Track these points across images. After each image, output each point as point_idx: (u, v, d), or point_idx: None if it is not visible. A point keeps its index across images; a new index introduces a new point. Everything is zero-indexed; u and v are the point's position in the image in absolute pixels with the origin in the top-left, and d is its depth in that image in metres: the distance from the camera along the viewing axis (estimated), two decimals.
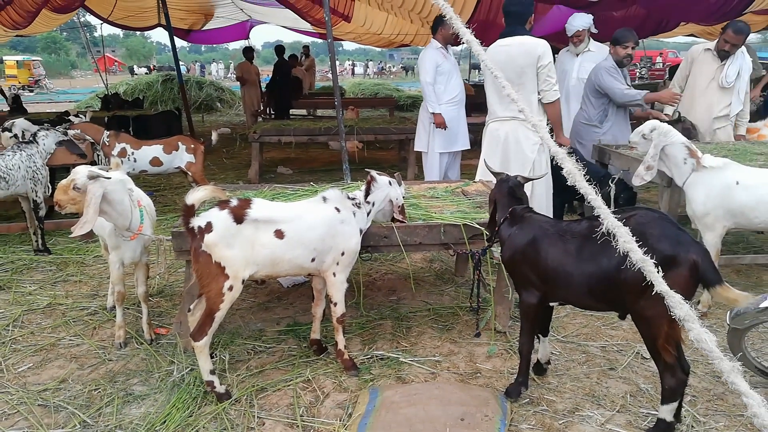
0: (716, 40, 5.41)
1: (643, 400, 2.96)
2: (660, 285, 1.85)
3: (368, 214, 3.26)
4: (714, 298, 2.30)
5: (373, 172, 3.32)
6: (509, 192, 2.99)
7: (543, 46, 4.39)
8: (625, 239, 1.96)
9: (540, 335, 3.09)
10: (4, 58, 33.23)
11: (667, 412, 2.53)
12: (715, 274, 2.34)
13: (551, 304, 2.92)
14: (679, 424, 2.67)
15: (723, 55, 5.26)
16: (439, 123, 5.72)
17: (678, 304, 1.80)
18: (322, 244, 3.01)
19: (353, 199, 3.18)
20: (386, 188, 3.30)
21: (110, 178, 3.09)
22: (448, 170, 6.03)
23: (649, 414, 2.82)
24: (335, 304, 3.17)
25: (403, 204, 3.37)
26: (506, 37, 4.53)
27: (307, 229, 2.96)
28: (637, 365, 3.29)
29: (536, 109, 4.52)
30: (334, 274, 3.10)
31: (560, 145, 3.72)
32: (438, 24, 5.75)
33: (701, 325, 1.80)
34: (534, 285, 2.77)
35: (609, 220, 2.01)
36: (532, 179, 3.35)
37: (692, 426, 2.74)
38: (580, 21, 6.09)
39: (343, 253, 3.08)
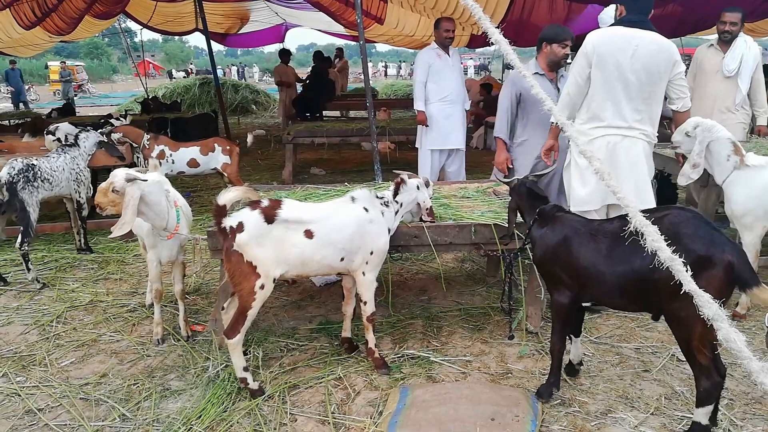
0: (717, 34, 5.33)
1: (678, 402, 2.90)
2: (688, 284, 1.81)
3: (396, 214, 3.27)
4: (751, 300, 2.24)
5: (404, 174, 3.33)
6: (528, 194, 2.98)
7: (676, 50, 3.56)
8: (653, 237, 1.94)
9: (572, 336, 3.06)
10: (49, 63, 34.19)
11: (702, 415, 2.47)
12: (752, 275, 2.28)
13: (584, 304, 2.89)
14: (715, 427, 2.61)
15: (727, 38, 5.13)
16: (420, 120, 5.88)
17: (706, 303, 1.77)
18: (351, 244, 3.03)
19: (381, 198, 3.20)
20: (414, 191, 3.32)
21: (147, 180, 3.17)
22: (447, 168, 6.04)
23: (684, 417, 2.76)
24: (365, 303, 3.18)
25: (431, 206, 3.39)
26: (633, 28, 3.47)
27: (335, 229, 2.99)
28: (672, 368, 3.23)
29: (657, 119, 3.66)
30: (363, 274, 3.12)
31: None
32: (435, 27, 5.87)
33: (730, 324, 1.76)
34: (566, 284, 2.74)
35: (637, 218, 1.98)
36: (543, 173, 3.33)
37: (729, 430, 2.68)
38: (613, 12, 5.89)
39: (372, 253, 3.10)
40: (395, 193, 3.27)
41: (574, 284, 2.71)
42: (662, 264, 2.28)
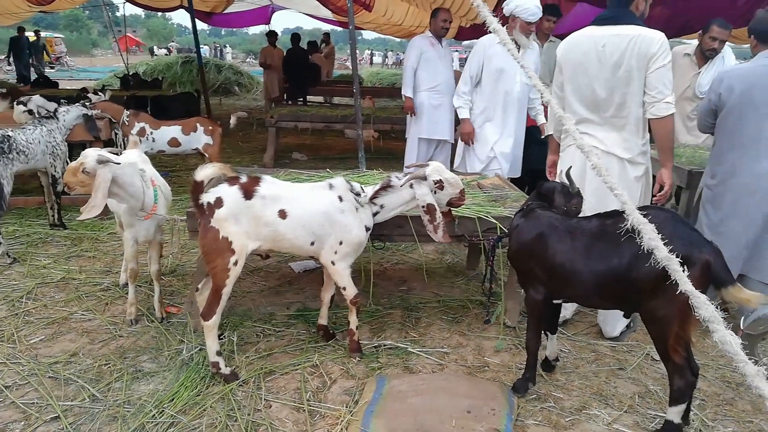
0: (697, 43, 5.05)
1: (651, 401, 2.93)
2: (685, 285, 1.83)
3: (376, 215, 3.13)
4: (726, 298, 2.27)
5: (393, 177, 3.13)
6: (536, 193, 2.96)
7: (659, 41, 3.08)
8: (650, 236, 1.95)
9: (548, 332, 3.08)
10: (26, 34, 33.32)
11: (675, 414, 2.50)
12: (728, 274, 2.31)
13: (556, 301, 2.90)
14: (687, 427, 2.64)
15: (711, 55, 4.92)
16: (408, 107, 5.85)
17: (703, 305, 1.78)
18: (321, 229, 3.00)
19: (357, 195, 3.08)
20: (406, 192, 3.07)
21: (119, 163, 3.09)
22: (434, 160, 6.02)
23: (657, 416, 2.80)
24: (344, 289, 3.16)
25: (431, 205, 3.03)
26: (605, 25, 3.19)
27: (308, 211, 2.96)
28: (647, 366, 3.27)
29: (641, 127, 3.28)
30: (333, 263, 3.08)
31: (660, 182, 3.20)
32: (433, 15, 5.85)
33: (726, 326, 1.77)
34: (540, 281, 2.75)
35: (634, 216, 1.98)
36: (571, 184, 2.90)
37: (700, 430, 2.72)
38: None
39: (341, 243, 3.04)
40: (375, 195, 3.10)
41: (549, 281, 2.72)
42: (643, 263, 2.31)
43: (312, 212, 2.98)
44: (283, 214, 2.92)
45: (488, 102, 4.91)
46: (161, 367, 3.08)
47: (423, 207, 3.04)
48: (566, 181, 2.89)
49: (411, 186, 3.06)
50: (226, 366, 2.98)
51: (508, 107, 4.90)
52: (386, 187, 3.09)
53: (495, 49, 4.78)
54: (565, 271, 2.62)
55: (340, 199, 3.04)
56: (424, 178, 3.04)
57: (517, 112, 4.92)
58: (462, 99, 4.94)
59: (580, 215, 2.83)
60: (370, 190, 3.13)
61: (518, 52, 4.52)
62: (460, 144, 5.17)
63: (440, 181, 3.04)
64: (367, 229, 3.11)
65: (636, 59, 3.10)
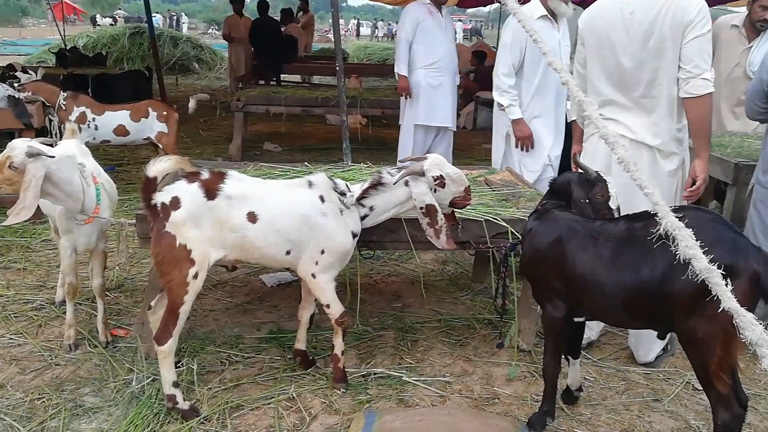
0: (747, 13, 5.04)
1: None
2: (728, 301, 1.83)
3: (365, 218, 3.13)
4: None
5: (385, 173, 3.10)
6: (549, 191, 2.98)
7: (696, 5, 3.07)
8: (687, 243, 1.95)
9: (570, 357, 3.09)
10: None
11: None
12: None
13: (578, 319, 2.92)
14: None
15: (763, 26, 4.92)
16: (402, 88, 5.84)
17: (749, 325, 1.78)
18: (298, 235, 2.99)
19: (342, 194, 3.08)
20: (401, 190, 3.07)
21: (54, 156, 3.08)
22: (432, 150, 6.05)
23: None
24: (328, 306, 3.16)
25: (431, 205, 3.02)
26: None
27: (282, 214, 2.96)
28: (687, 397, 3.30)
29: (675, 109, 3.28)
30: (313, 276, 3.08)
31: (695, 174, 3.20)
32: None
33: None
34: (558, 295, 2.76)
35: (669, 219, 1.99)
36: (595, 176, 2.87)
37: None
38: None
39: (322, 252, 3.05)
40: (363, 195, 3.09)
41: (569, 295, 2.73)
42: (680, 274, 2.33)
43: (288, 215, 2.98)
44: (252, 218, 2.92)
45: (535, 94, 4.71)
46: (106, 402, 3.07)
47: (421, 209, 3.03)
48: (580, 170, 2.91)
49: (406, 184, 3.05)
50: (184, 400, 2.97)
51: (561, 99, 4.78)
52: (376, 185, 3.08)
53: (537, 24, 4.37)
54: (587, 283, 2.63)
55: (322, 199, 3.04)
56: (422, 174, 3.03)
57: (563, 104, 4.82)
58: (509, 96, 4.63)
59: (611, 204, 2.82)
60: (357, 189, 3.12)
61: (555, 22, 4.54)
62: (498, 144, 4.98)
63: (441, 177, 3.03)
64: (354, 235, 3.11)
65: (669, 27, 3.09)
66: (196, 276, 2.86)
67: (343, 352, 3.24)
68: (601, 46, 3.33)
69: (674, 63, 3.16)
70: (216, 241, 2.90)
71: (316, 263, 3.06)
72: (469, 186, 3.16)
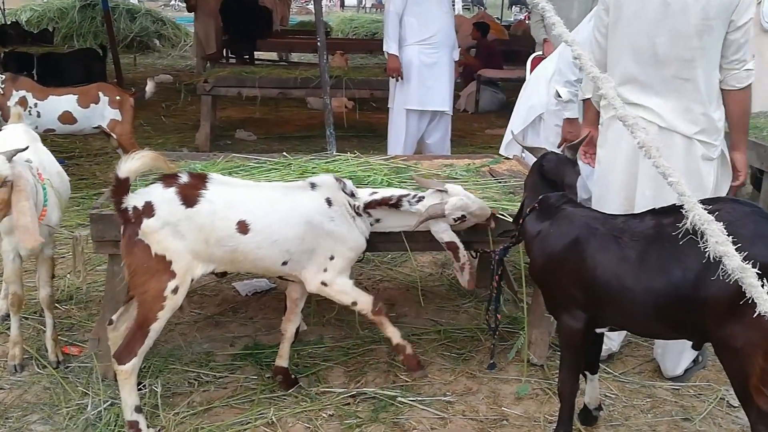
0: None
1: None
2: (765, 304, 1.83)
3: (371, 225, 3.24)
4: None
5: (405, 201, 3.19)
6: (539, 173, 2.97)
7: None
8: (718, 239, 1.95)
9: (588, 372, 3.10)
10: None
11: None
12: None
13: (599, 330, 2.92)
14: None
15: None
16: (392, 69, 5.86)
17: None
18: (301, 245, 3.01)
19: (352, 197, 3.13)
20: (412, 216, 3.20)
21: (27, 147, 3.10)
22: (427, 138, 6.05)
23: None
24: (355, 304, 3.21)
25: (452, 242, 3.23)
26: None
27: (280, 222, 2.97)
28: (722, 415, 3.31)
29: (714, 96, 3.26)
30: (324, 284, 3.11)
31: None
32: None
33: None
34: (578, 304, 2.76)
35: (697, 212, 1.99)
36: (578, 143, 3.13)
37: None
38: None
39: (332, 258, 3.08)
40: (375, 206, 3.17)
41: (590, 304, 2.73)
42: (714, 275, 2.33)
43: (287, 223, 2.98)
44: (243, 228, 2.91)
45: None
46: (57, 430, 3.06)
47: (442, 243, 3.21)
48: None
49: (417, 200, 3.20)
50: (147, 427, 2.97)
51: None
52: (392, 204, 3.17)
53: None
54: (611, 289, 2.63)
55: (329, 202, 3.06)
56: (443, 216, 3.15)
57: None
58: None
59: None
60: (364, 195, 3.17)
61: None
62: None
63: (463, 216, 3.18)
64: (366, 239, 3.20)
65: (717, 6, 3.07)
66: (176, 290, 2.86)
67: (402, 336, 3.29)
68: (631, 17, 3.26)
69: (717, 43, 3.15)
70: (202, 255, 2.90)
71: (325, 270, 3.09)
72: (492, 215, 3.30)
